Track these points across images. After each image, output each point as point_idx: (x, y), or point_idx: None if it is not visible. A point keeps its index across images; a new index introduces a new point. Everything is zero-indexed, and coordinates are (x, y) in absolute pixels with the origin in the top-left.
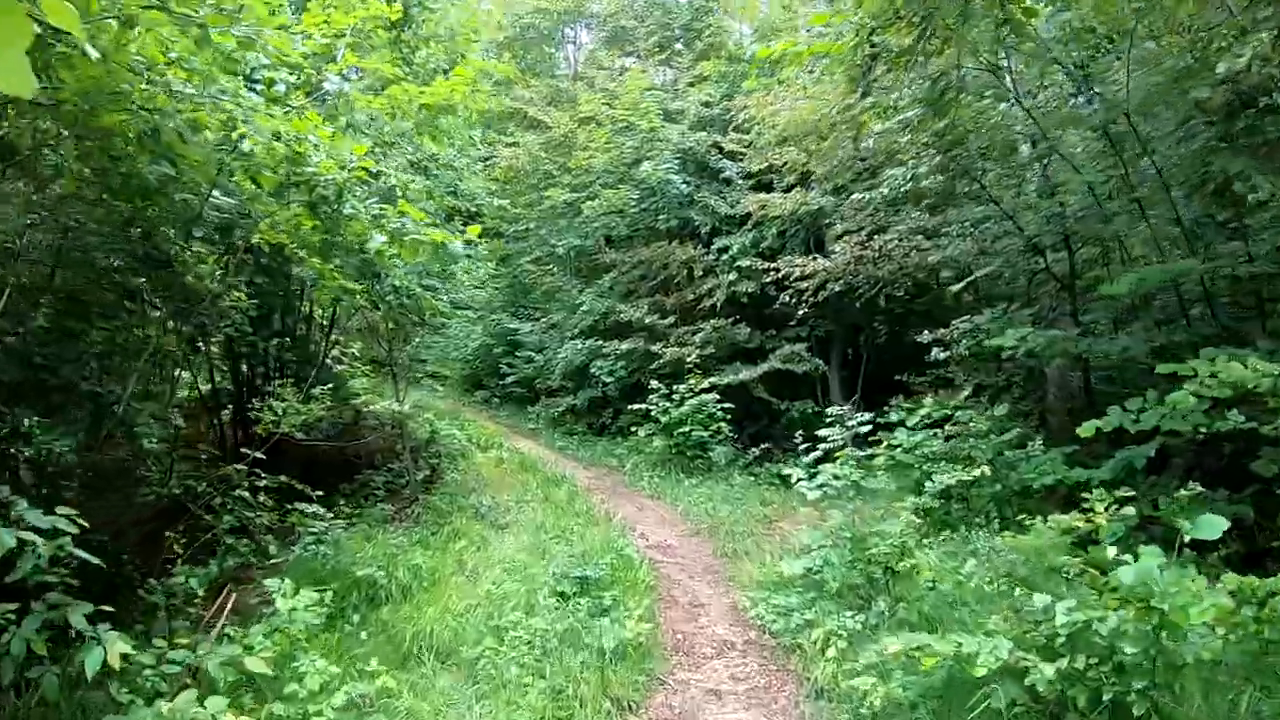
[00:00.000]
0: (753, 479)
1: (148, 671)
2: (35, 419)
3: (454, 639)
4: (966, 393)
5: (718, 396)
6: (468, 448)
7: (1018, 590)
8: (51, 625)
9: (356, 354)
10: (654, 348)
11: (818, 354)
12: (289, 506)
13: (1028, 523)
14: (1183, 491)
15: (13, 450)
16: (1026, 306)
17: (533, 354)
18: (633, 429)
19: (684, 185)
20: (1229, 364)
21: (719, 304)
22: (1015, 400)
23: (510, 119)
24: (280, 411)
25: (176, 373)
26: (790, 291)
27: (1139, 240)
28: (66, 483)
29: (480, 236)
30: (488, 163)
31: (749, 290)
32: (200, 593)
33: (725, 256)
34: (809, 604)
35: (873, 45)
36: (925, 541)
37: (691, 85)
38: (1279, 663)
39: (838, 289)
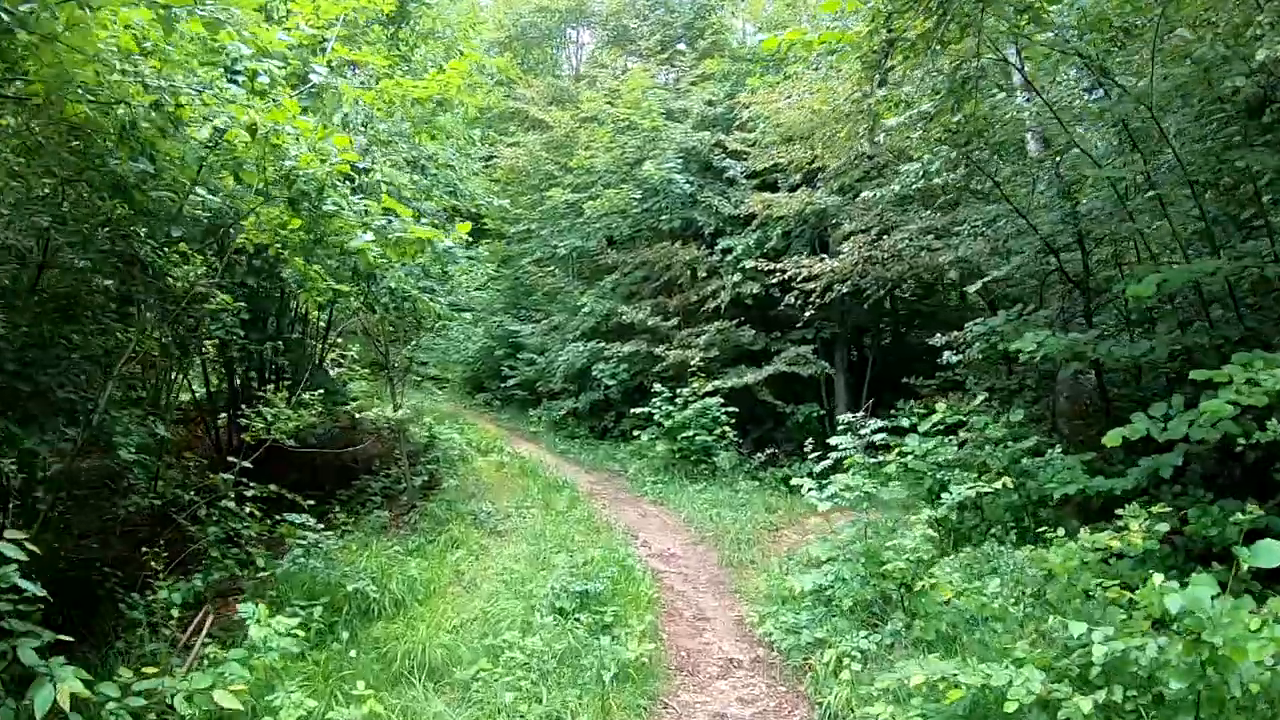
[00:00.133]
0: (757, 484)
1: (111, 705)
2: (12, 427)
3: (448, 658)
4: (981, 398)
5: (722, 400)
6: (468, 452)
7: (1051, 618)
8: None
9: (355, 356)
10: (657, 350)
11: (823, 356)
12: (277, 517)
13: (1049, 535)
14: (1241, 515)
15: None
16: (1041, 308)
17: (534, 356)
18: (635, 433)
19: (687, 185)
20: (1273, 370)
21: (723, 305)
22: (1027, 404)
23: (511, 119)
24: (270, 418)
25: (172, 377)
26: (796, 293)
27: (1152, 239)
28: (42, 495)
29: (482, 238)
30: (489, 163)
31: (753, 291)
32: (175, 613)
33: (729, 257)
34: (819, 621)
35: (890, 31)
36: (942, 556)
37: (694, 84)
38: None
39: (845, 290)
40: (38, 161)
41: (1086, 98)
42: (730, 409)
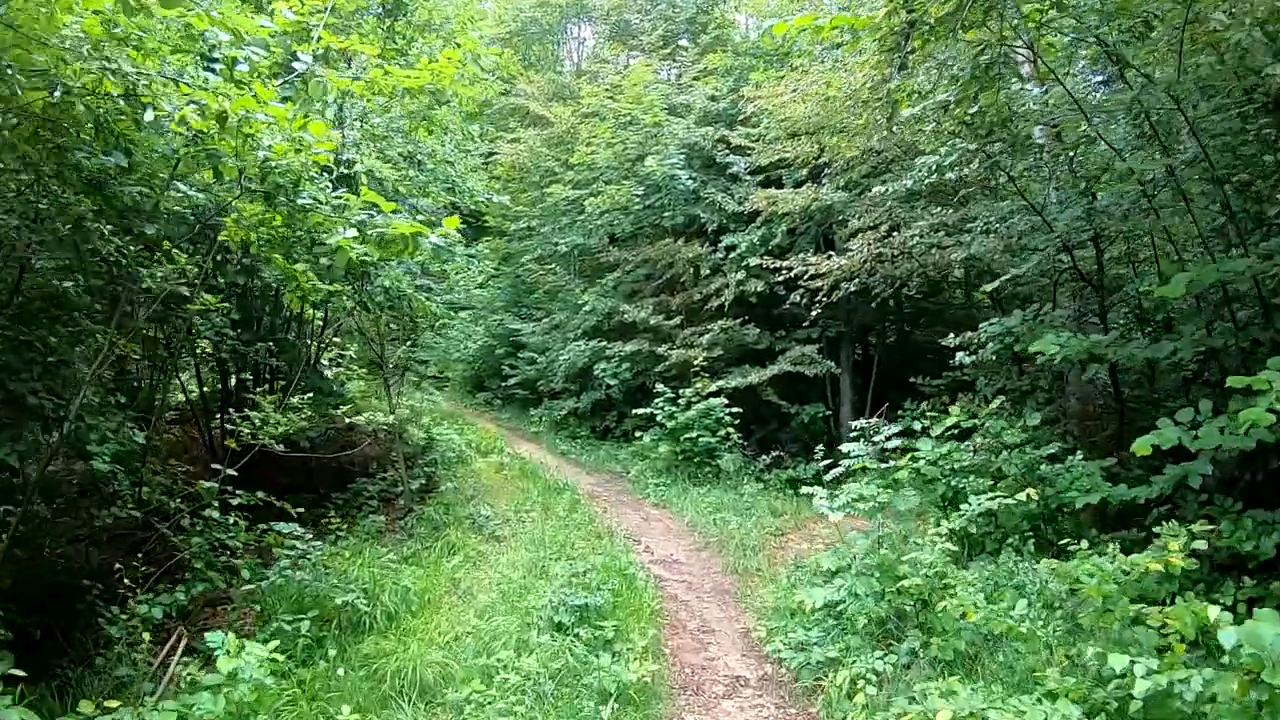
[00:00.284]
0: (762, 486)
1: None
2: None
3: (441, 677)
4: (997, 402)
5: (726, 401)
6: (467, 453)
7: (1083, 644)
8: None
9: (354, 356)
10: (659, 349)
11: (828, 355)
12: (263, 527)
13: (1071, 547)
14: None
15: None
16: (1053, 307)
17: (535, 355)
18: (637, 433)
19: (690, 181)
20: None
21: (726, 304)
22: (1039, 406)
23: (512, 115)
24: (258, 422)
25: (163, 379)
26: (801, 291)
27: (1171, 236)
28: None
29: (482, 235)
30: (490, 159)
31: (758, 290)
32: (147, 636)
33: (733, 255)
34: (831, 638)
35: (910, 12)
36: (960, 569)
37: (697, 79)
38: None
39: (852, 289)
40: (5, 155)
41: (1096, 91)
42: (734, 409)
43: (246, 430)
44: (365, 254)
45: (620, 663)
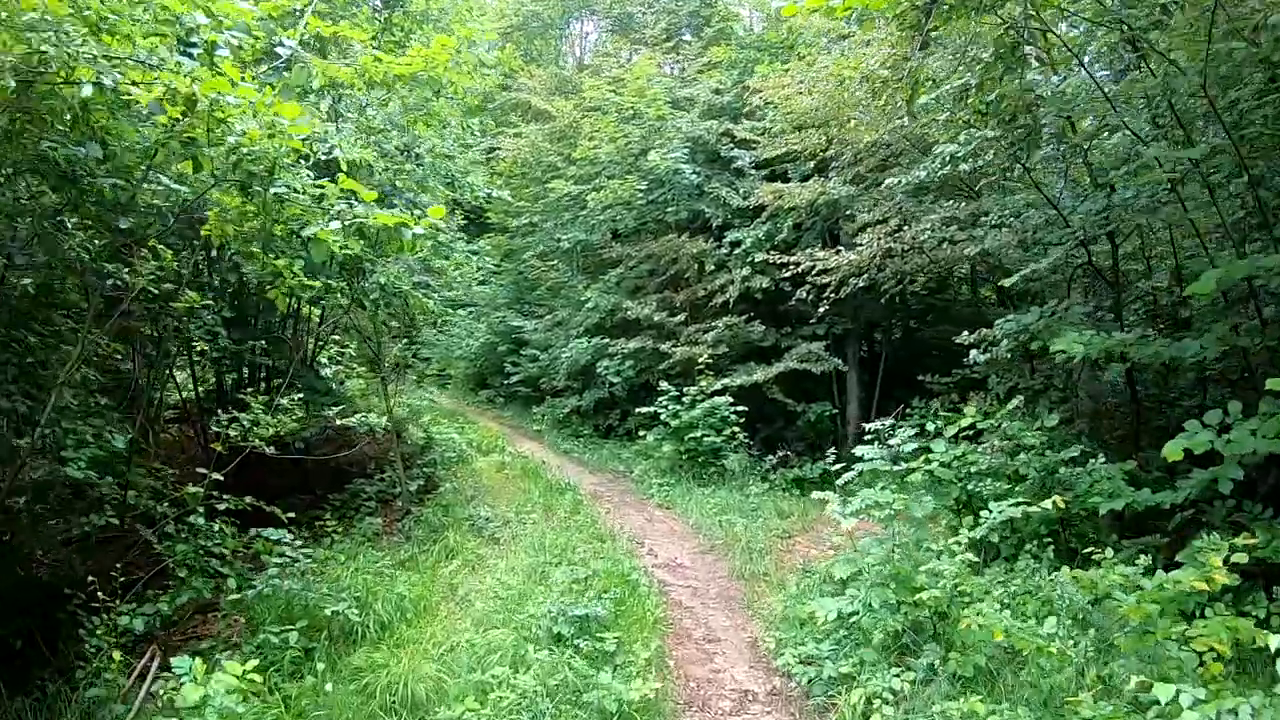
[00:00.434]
0: (768, 486)
1: None
2: None
3: (434, 691)
4: (1015, 401)
5: (731, 399)
6: (467, 452)
7: (1129, 674)
8: None
9: (353, 354)
10: (663, 347)
11: (834, 353)
12: (253, 532)
13: (1096, 556)
14: None
15: None
16: (1068, 304)
17: (537, 353)
18: (641, 432)
19: (694, 175)
20: None
21: (731, 300)
22: (1053, 405)
23: (513, 110)
24: (246, 424)
25: (152, 379)
26: (808, 287)
27: (1196, 230)
28: None
29: (485, 232)
30: (491, 155)
31: (763, 286)
32: (117, 656)
33: (738, 250)
34: (843, 651)
35: None
36: (975, 575)
37: (701, 72)
38: None
39: (861, 284)
40: None
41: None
42: (739, 408)
43: (234, 433)
44: (346, 247)
45: (622, 678)
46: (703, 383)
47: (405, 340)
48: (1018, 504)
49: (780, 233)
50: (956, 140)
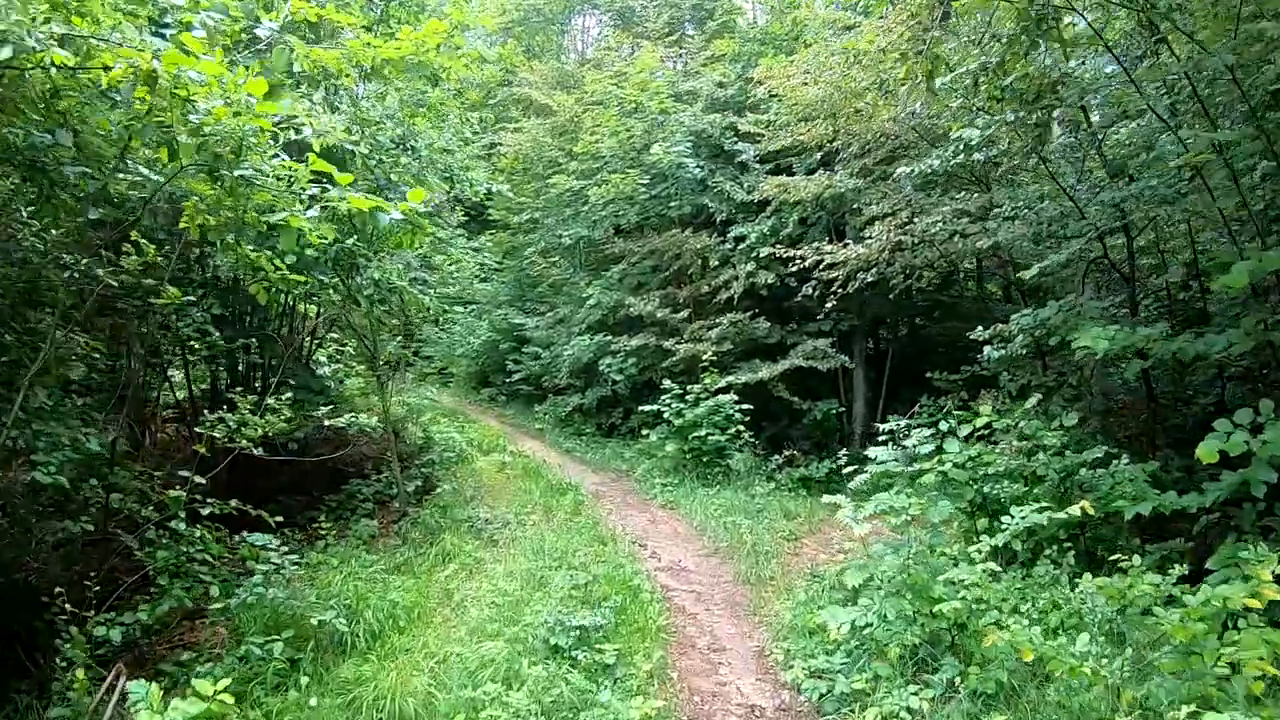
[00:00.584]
0: (774, 486)
1: None
2: None
3: (423, 707)
4: (1033, 399)
5: (735, 397)
6: (468, 452)
7: (1183, 712)
8: None
9: (352, 352)
10: (666, 344)
11: (839, 350)
12: (239, 537)
13: (1123, 564)
14: None
15: None
16: (1089, 299)
17: (539, 350)
18: (644, 431)
19: (697, 169)
20: None
21: (736, 296)
22: (1066, 403)
23: (514, 105)
24: (233, 424)
25: (137, 377)
26: (814, 283)
27: (1224, 219)
28: None
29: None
30: (492, 150)
31: (768, 281)
32: (81, 674)
33: (742, 246)
34: (857, 665)
35: None
36: (997, 587)
37: (704, 66)
38: None
39: (869, 279)
40: None
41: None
42: (744, 406)
43: (218, 434)
44: (323, 236)
45: (622, 694)
46: (707, 380)
47: (404, 338)
48: (1042, 509)
49: (785, 228)
50: (975, 124)
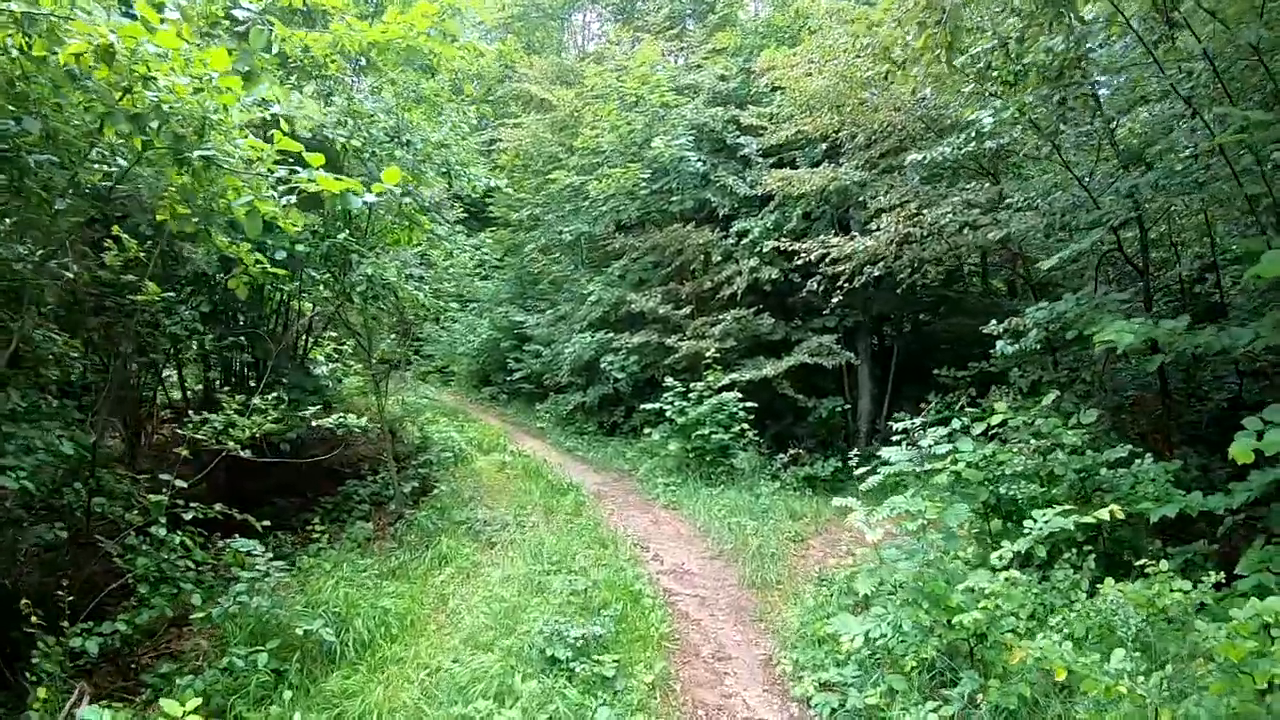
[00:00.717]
0: (779, 485)
1: None
2: None
3: None
4: (1051, 395)
5: (739, 395)
6: (467, 451)
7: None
8: None
9: (350, 351)
10: (669, 340)
11: (844, 346)
12: (222, 543)
13: (1150, 569)
14: None
15: None
16: (1103, 292)
17: (540, 348)
18: (646, 429)
19: (699, 163)
20: None
21: (739, 292)
22: (1079, 399)
23: (514, 100)
24: (219, 425)
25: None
26: (819, 278)
27: (1252, 207)
28: None
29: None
30: (492, 146)
31: (772, 277)
32: (42, 693)
33: (745, 240)
34: (870, 678)
35: None
36: (1016, 593)
37: (706, 59)
38: None
39: (876, 273)
40: None
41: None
42: (748, 404)
43: (203, 435)
44: (291, 221)
45: (621, 710)
46: (710, 378)
47: (402, 336)
48: (1066, 513)
49: (789, 222)
50: (992, 106)
